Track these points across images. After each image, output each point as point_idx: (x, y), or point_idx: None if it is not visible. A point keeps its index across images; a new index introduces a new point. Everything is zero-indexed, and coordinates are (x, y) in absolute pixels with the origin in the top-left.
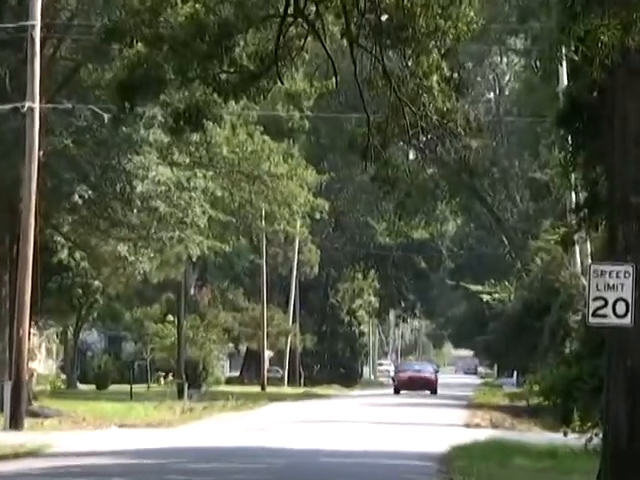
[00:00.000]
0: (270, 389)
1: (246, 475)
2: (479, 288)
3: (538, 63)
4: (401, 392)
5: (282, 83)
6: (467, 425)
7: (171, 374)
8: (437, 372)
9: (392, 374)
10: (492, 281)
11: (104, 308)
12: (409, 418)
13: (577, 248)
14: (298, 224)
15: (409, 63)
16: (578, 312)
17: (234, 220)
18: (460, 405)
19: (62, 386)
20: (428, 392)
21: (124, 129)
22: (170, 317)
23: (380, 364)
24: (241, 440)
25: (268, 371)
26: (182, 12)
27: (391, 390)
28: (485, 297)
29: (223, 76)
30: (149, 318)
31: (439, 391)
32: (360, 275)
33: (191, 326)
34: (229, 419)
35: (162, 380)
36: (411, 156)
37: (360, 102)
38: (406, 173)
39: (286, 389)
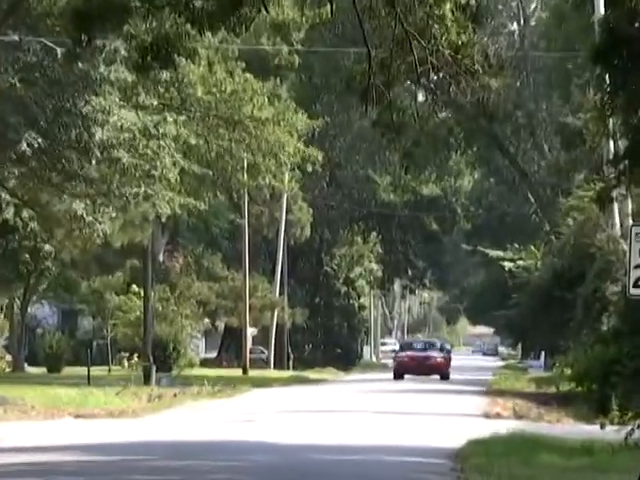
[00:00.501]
0: (253, 373)
1: (225, 475)
2: (500, 254)
3: None
4: (403, 377)
5: (267, 11)
6: (486, 415)
7: (136, 355)
8: (449, 352)
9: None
10: (515, 245)
11: (57, 277)
12: (417, 407)
13: (616, 206)
14: (286, 178)
15: None
16: (617, 282)
17: (211, 173)
18: (478, 391)
19: (7, 369)
20: (437, 377)
21: (80, 66)
22: (135, 288)
23: (383, 343)
24: (219, 433)
25: (251, 352)
26: None
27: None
28: (507, 264)
29: (198, 3)
30: (110, 289)
31: (452, 375)
32: (359, 238)
33: (160, 298)
34: (205, 408)
35: (125, 362)
36: (420, 98)
37: (360, 34)
38: (414, 118)
39: (272, 373)
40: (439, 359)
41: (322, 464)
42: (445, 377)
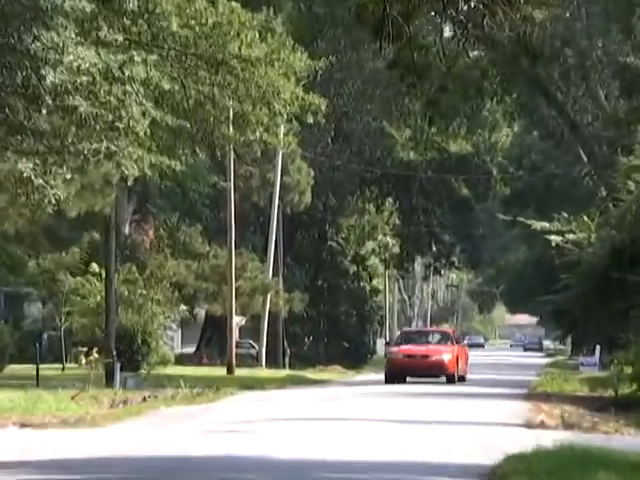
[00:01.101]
0: (240, 372)
1: None
2: (545, 225)
3: None
4: (400, 381)
5: None
6: (527, 424)
7: (96, 350)
8: (462, 343)
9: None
10: (564, 215)
11: None
12: (442, 414)
13: None
14: (282, 131)
15: None
16: None
17: (188, 125)
18: (517, 395)
19: None
20: (443, 380)
21: None
22: (95, 267)
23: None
24: (198, 446)
25: (237, 346)
26: None
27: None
28: (554, 238)
29: None
30: (64, 268)
31: (484, 374)
32: (372, 206)
33: (125, 280)
34: (180, 415)
35: (83, 359)
36: (446, 33)
37: None
38: (439, 57)
39: (263, 372)
40: (444, 355)
41: None
42: (451, 379)
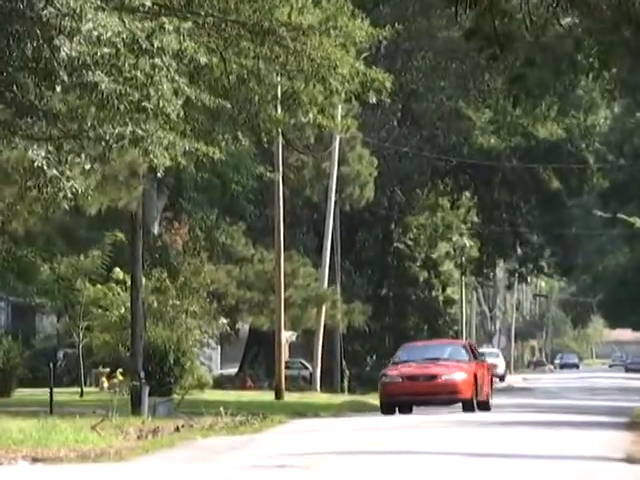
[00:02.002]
0: (291, 397)
1: None
2: None
3: None
4: (400, 411)
5: None
6: (629, 459)
7: (120, 371)
8: (482, 359)
9: (497, 371)
10: None
11: (5, 258)
12: (528, 446)
13: None
14: (339, 113)
15: None
16: None
17: (229, 106)
18: (617, 424)
19: None
20: (458, 407)
21: None
22: (119, 273)
23: (480, 354)
24: None
25: (287, 367)
26: None
27: (501, 399)
28: None
29: None
30: (82, 275)
31: (564, 401)
32: (446, 201)
33: (154, 289)
34: (220, 447)
35: (105, 381)
36: None
37: None
38: (525, 25)
39: (318, 397)
40: (457, 374)
41: None
42: (469, 406)
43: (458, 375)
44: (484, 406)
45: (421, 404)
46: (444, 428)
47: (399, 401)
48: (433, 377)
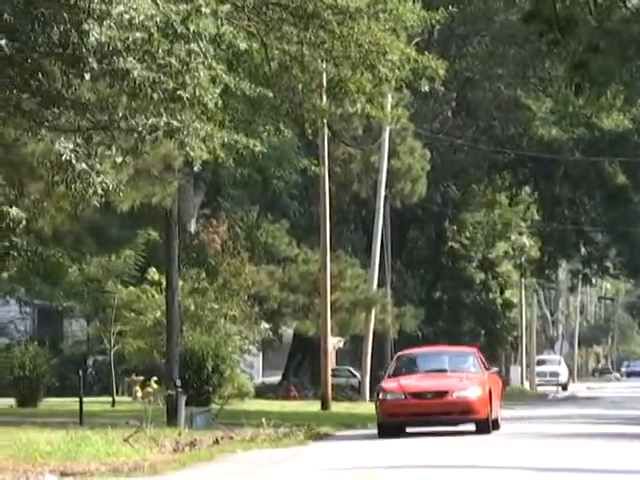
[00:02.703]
0: (338, 407)
1: None
2: None
3: None
4: (399, 433)
5: None
6: None
7: (154, 380)
8: (493, 369)
9: (560, 379)
10: None
11: (30, 258)
12: (605, 460)
13: None
14: (389, 102)
15: None
16: None
17: (271, 95)
18: None
19: None
20: (471, 428)
21: None
22: (153, 275)
23: (541, 362)
24: None
25: (334, 374)
26: None
27: (564, 410)
28: None
29: None
30: (113, 276)
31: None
32: (504, 197)
33: (192, 291)
34: (262, 461)
35: (138, 390)
36: None
37: None
38: (589, 8)
39: (367, 406)
40: (471, 390)
41: None
42: (484, 427)
43: (472, 391)
44: (495, 424)
45: (427, 424)
46: (520, 440)
47: (401, 422)
48: (443, 394)
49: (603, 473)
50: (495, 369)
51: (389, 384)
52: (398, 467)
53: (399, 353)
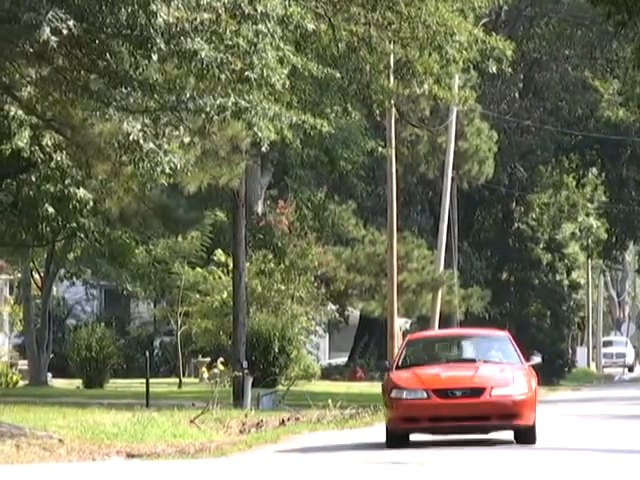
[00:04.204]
0: None
1: None
2: None
3: None
4: (407, 441)
5: None
6: None
7: (221, 361)
8: (534, 359)
9: (627, 360)
10: None
11: (97, 239)
12: None
13: None
14: (456, 83)
15: None
16: None
17: (338, 76)
18: None
19: (21, 382)
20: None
21: None
22: (220, 256)
23: (608, 342)
24: None
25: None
26: None
27: (631, 391)
28: None
29: None
30: (180, 258)
31: None
32: (571, 178)
33: (258, 272)
34: (329, 442)
35: (205, 371)
36: None
37: None
38: None
39: None
40: (513, 386)
41: None
42: (528, 436)
43: (517, 388)
44: (534, 437)
45: (452, 432)
46: (593, 421)
47: (422, 429)
48: (478, 391)
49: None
50: (537, 358)
51: (403, 377)
52: (460, 447)
53: (410, 336)
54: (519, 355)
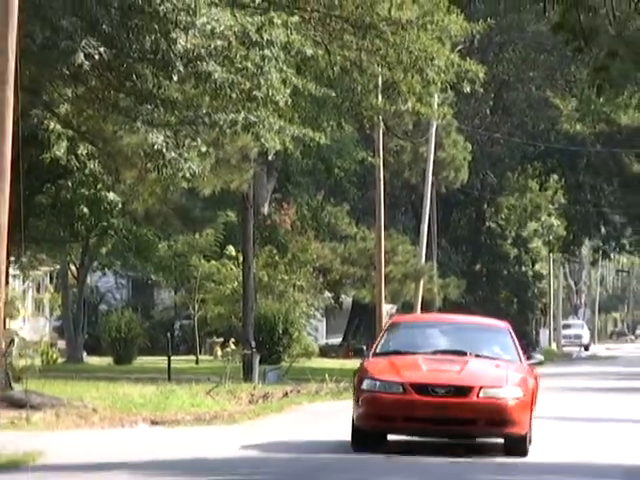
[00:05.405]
0: None
1: None
2: None
3: None
4: (376, 443)
5: None
6: None
7: (232, 341)
8: (535, 357)
9: (582, 340)
10: None
11: (125, 236)
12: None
13: None
14: (436, 101)
15: None
16: None
17: (333, 94)
18: None
19: (60, 359)
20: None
21: None
22: (231, 250)
23: (566, 325)
24: (344, 446)
25: None
26: None
27: (586, 367)
28: None
29: None
30: (197, 252)
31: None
32: (535, 183)
33: (265, 264)
34: (326, 412)
35: (219, 350)
36: None
37: None
38: (609, 20)
39: None
40: (506, 390)
41: None
42: (519, 448)
43: (510, 390)
44: (525, 448)
45: (435, 436)
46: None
47: (395, 430)
48: (465, 390)
49: (623, 422)
50: (539, 357)
51: (378, 366)
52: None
53: (394, 318)
54: (519, 351)
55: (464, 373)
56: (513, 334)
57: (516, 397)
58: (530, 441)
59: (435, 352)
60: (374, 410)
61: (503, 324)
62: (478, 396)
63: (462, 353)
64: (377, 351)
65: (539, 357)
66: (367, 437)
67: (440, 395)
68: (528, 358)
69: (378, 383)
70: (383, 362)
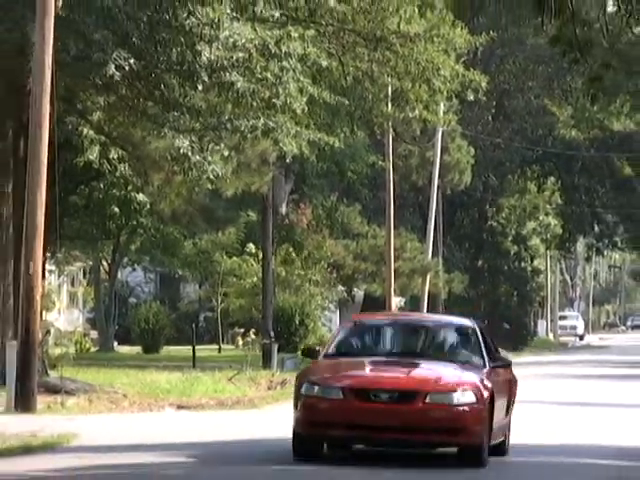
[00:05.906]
0: None
1: None
2: None
3: None
4: (317, 452)
5: None
6: None
7: (253, 331)
8: (505, 359)
9: (577, 331)
10: None
11: (154, 234)
12: (617, 396)
13: None
14: (441, 109)
15: None
16: None
17: (346, 102)
18: None
19: (93, 348)
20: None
21: None
22: (252, 247)
23: (562, 317)
24: None
25: None
26: None
27: (581, 356)
28: None
29: None
30: (220, 249)
31: None
32: (533, 185)
33: (283, 261)
34: None
35: (240, 340)
36: (610, 8)
37: None
38: (603, 33)
39: None
40: (459, 395)
41: None
42: (475, 456)
43: (462, 395)
44: (499, 450)
45: (379, 445)
46: (551, 380)
47: (334, 438)
48: (410, 395)
49: (616, 407)
50: (507, 359)
51: (320, 369)
52: None
53: (355, 316)
54: (484, 353)
55: (410, 377)
56: (481, 334)
57: (468, 403)
58: (500, 450)
59: (389, 354)
60: (312, 416)
61: (471, 323)
62: (424, 402)
63: (418, 355)
64: (328, 352)
65: (507, 359)
66: (308, 446)
67: (382, 401)
68: (494, 360)
69: (317, 387)
70: (327, 365)
